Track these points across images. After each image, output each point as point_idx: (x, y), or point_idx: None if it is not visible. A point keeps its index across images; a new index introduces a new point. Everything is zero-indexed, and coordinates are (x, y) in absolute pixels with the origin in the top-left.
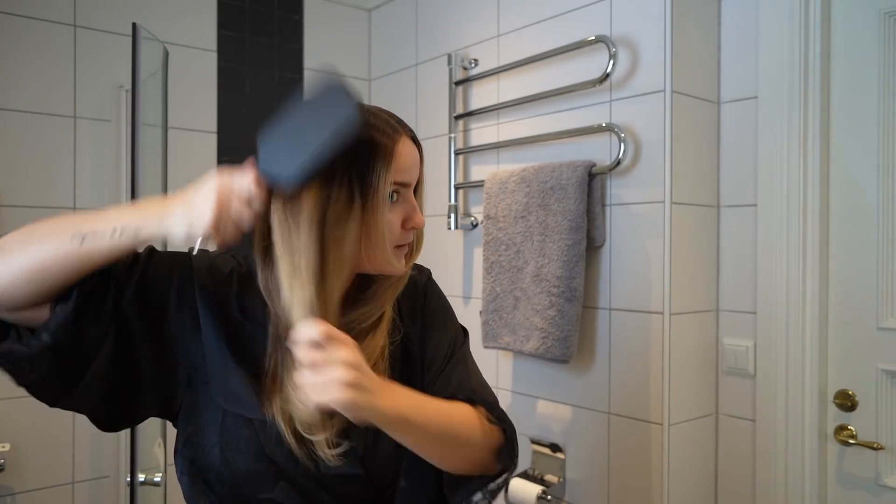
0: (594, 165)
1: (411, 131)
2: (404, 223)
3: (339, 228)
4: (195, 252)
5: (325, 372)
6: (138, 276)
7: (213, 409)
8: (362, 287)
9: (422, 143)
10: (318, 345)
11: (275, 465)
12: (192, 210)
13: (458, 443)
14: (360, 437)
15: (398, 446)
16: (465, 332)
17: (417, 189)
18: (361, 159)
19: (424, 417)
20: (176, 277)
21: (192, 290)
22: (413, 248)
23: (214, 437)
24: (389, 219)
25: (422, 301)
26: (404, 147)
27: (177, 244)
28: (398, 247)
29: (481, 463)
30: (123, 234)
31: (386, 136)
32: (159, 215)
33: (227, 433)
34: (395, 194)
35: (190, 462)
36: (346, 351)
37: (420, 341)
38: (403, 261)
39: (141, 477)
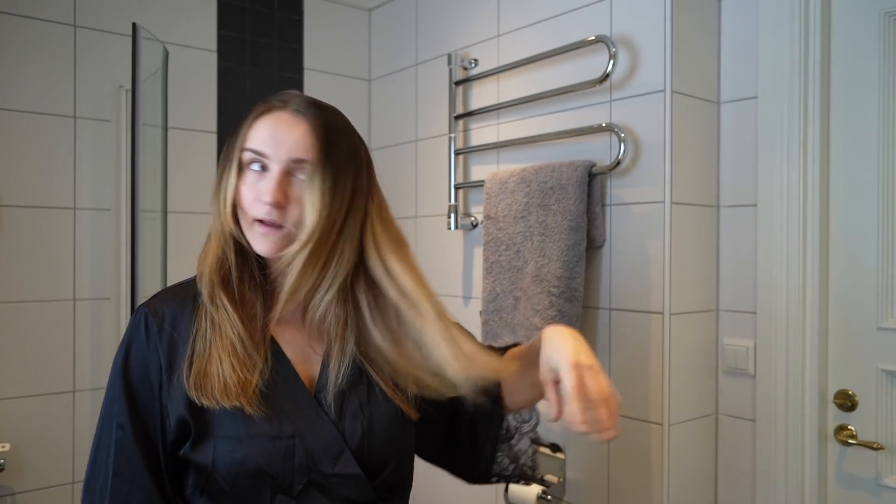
0: (594, 165)
1: (302, 108)
2: (263, 194)
3: (216, 178)
4: None
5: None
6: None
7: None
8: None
9: (421, 143)
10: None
11: (271, 477)
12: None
13: None
14: (356, 437)
15: (388, 441)
16: None
17: (307, 170)
18: (242, 121)
19: None
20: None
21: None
22: (296, 237)
23: (218, 451)
24: (239, 186)
25: None
26: (270, 120)
27: None
28: (260, 222)
29: None
30: None
31: (260, 105)
32: None
33: (227, 448)
34: (257, 165)
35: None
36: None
37: None
38: (265, 241)
39: None
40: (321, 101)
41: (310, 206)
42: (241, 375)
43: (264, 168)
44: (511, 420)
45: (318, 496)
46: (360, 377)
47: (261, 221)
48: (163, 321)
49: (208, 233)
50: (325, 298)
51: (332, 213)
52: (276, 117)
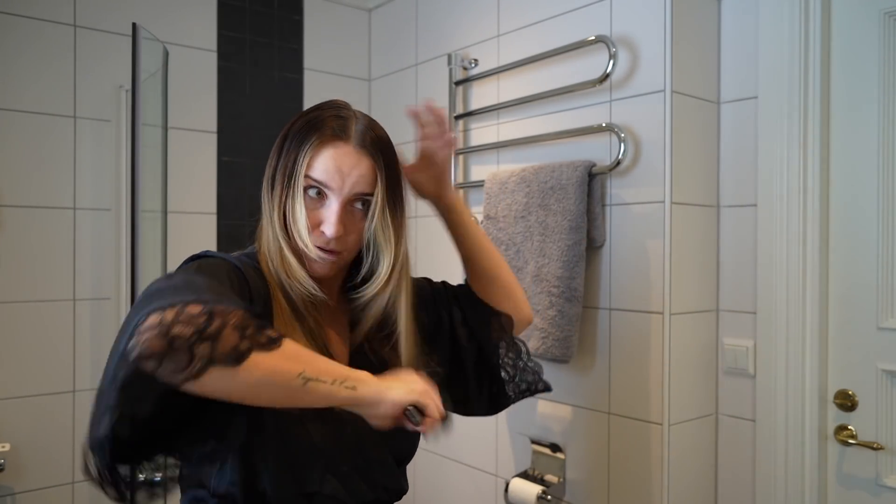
0: (594, 165)
1: (366, 144)
2: (320, 223)
3: (269, 191)
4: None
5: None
6: None
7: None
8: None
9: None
10: None
11: (324, 456)
12: (410, 385)
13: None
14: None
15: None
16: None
17: (373, 207)
18: (300, 140)
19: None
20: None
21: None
22: (363, 266)
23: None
24: (306, 212)
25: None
26: (334, 151)
27: (387, 408)
28: (318, 248)
29: (523, 296)
30: (343, 384)
31: (322, 134)
32: (378, 382)
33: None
34: (314, 191)
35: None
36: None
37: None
38: (320, 264)
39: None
40: (376, 124)
41: (385, 243)
42: None
43: (322, 194)
44: (510, 355)
45: (360, 482)
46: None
47: (318, 247)
48: (253, 287)
49: (265, 241)
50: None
51: (404, 245)
52: (341, 151)
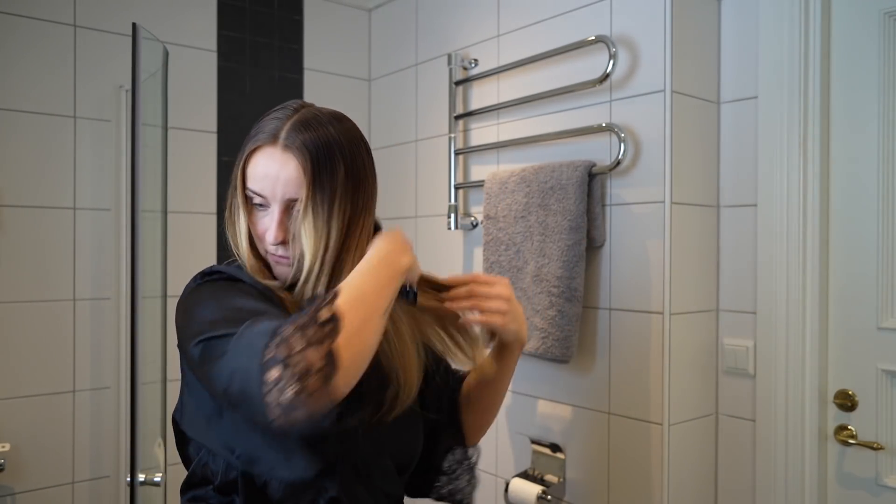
0: (594, 165)
1: (294, 144)
2: (264, 233)
3: (227, 201)
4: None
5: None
6: None
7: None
8: None
9: (421, 143)
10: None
11: (325, 459)
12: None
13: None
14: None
15: (416, 439)
16: None
17: (297, 206)
18: (241, 149)
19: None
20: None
21: None
22: (306, 271)
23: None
24: (251, 220)
25: None
26: (262, 158)
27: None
28: (275, 256)
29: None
30: (392, 271)
31: (256, 140)
32: (385, 243)
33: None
34: (258, 200)
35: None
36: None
37: None
38: (278, 270)
39: (141, 477)
40: (315, 116)
41: (306, 243)
42: None
43: (264, 204)
44: (455, 454)
45: (360, 488)
46: None
47: (272, 254)
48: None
49: (238, 251)
50: None
51: (331, 247)
52: (268, 155)
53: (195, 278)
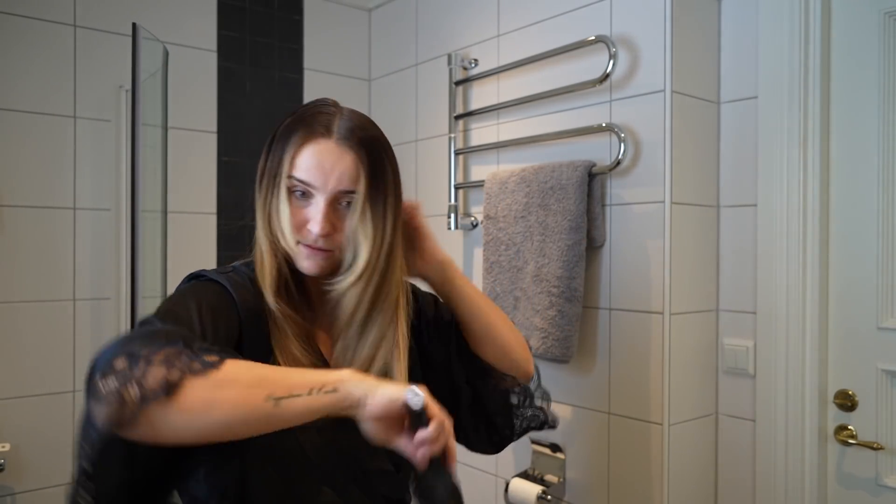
0: (594, 165)
1: (350, 139)
2: (307, 221)
3: (258, 193)
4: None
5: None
6: None
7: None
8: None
9: (421, 143)
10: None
11: (319, 468)
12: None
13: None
14: None
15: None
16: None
17: (354, 203)
18: (284, 139)
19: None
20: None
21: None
22: (344, 261)
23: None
24: (291, 211)
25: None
26: (316, 149)
27: (381, 402)
28: (307, 246)
29: (524, 354)
30: (322, 391)
31: (306, 131)
32: (362, 380)
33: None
34: (299, 192)
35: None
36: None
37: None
38: (310, 262)
39: None
40: (362, 120)
41: (363, 239)
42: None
43: (307, 194)
44: (515, 392)
45: (358, 492)
46: (385, 375)
47: (308, 245)
48: (241, 303)
49: (257, 244)
50: (377, 320)
51: (385, 242)
52: (322, 148)
53: (184, 280)
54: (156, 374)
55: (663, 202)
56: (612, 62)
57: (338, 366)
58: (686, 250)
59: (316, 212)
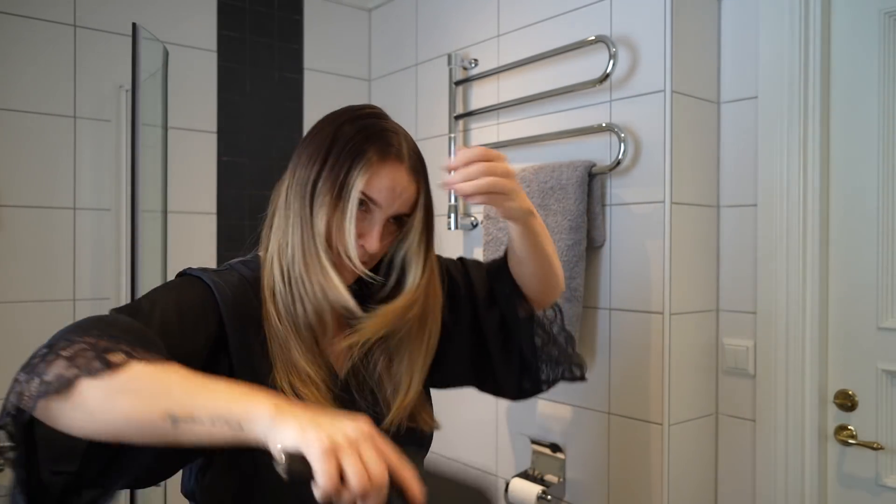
0: (594, 165)
1: (415, 165)
2: (358, 236)
3: (307, 198)
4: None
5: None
6: None
7: None
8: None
9: (421, 143)
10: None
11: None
12: (314, 432)
13: (552, 257)
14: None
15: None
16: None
17: (407, 223)
18: (353, 151)
19: (541, 225)
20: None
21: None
22: (411, 286)
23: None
24: (346, 224)
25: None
26: (391, 172)
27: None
28: (356, 260)
29: (559, 280)
30: (226, 423)
31: (380, 150)
32: (272, 419)
33: None
34: (363, 203)
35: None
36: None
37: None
38: (348, 274)
39: None
40: (415, 145)
41: (416, 259)
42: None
43: (366, 208)
44: (541, 321)
45: None
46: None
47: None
48: (226, 303)
49: (272, 246)
50: (405, 341)
51: (430, 261)
52: (397, 172)
53: (178, 275)
54: (55, 370)
55: (663, 202)
56: (612, 62)
57: (350, 379)
58: (686, 250)
59: (372, 229)
